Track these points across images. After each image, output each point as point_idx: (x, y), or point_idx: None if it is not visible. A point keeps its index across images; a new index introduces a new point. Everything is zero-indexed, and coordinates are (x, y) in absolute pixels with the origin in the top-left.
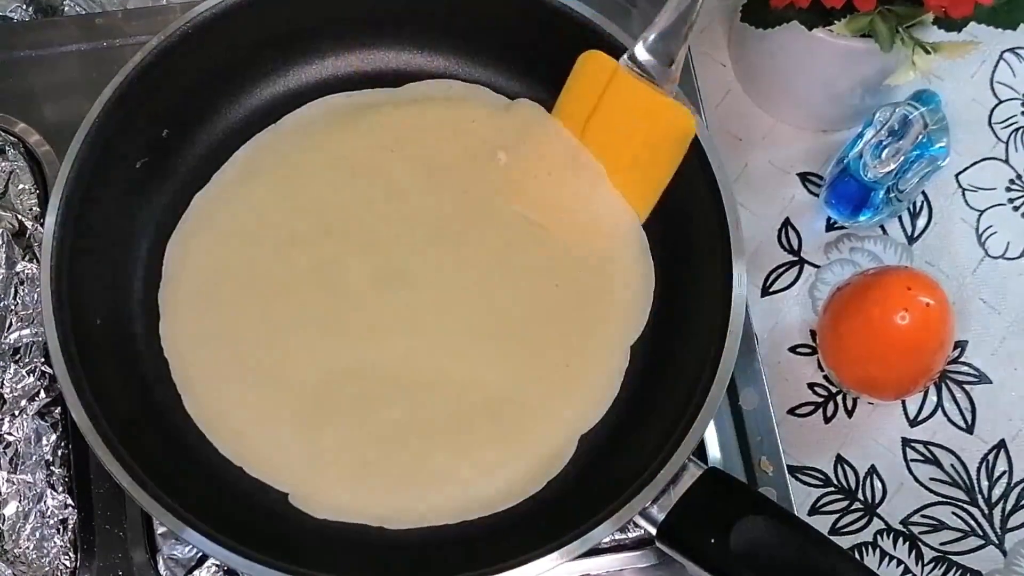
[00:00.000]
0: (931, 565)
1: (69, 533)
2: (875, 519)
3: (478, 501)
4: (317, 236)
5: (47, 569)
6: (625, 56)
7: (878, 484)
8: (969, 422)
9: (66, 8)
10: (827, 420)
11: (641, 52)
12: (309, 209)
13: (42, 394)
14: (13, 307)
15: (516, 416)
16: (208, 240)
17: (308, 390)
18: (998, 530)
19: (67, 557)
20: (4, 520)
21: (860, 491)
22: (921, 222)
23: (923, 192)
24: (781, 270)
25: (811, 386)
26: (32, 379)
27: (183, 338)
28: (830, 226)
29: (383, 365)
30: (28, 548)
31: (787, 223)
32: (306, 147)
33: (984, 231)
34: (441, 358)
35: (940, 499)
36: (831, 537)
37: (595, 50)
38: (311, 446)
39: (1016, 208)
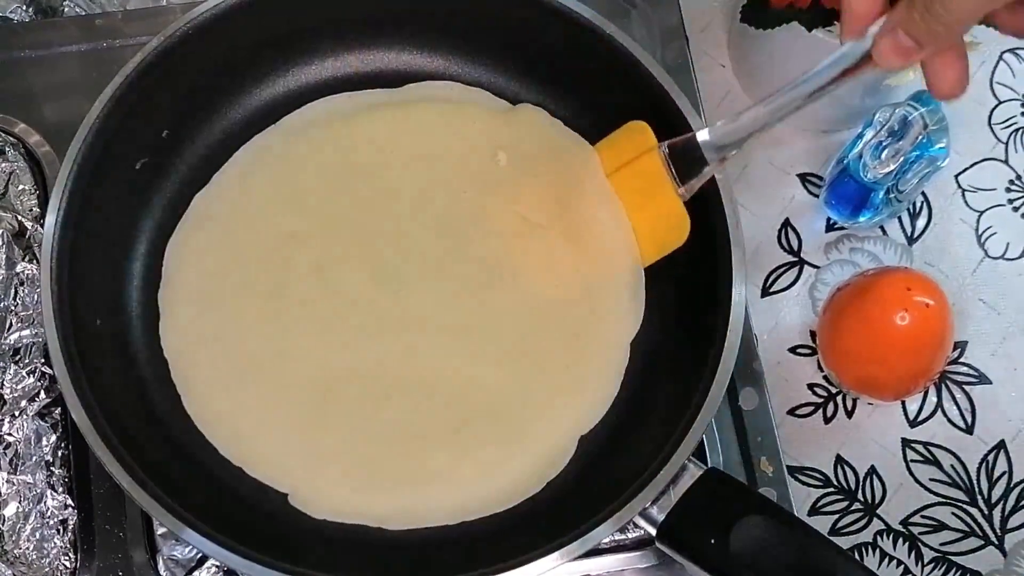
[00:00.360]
0: (931, 565)
1: (69, 534)
2: (875, 519)
3: (478, 501)
4: (317, 236)
5: (47, 570)
6: (666, 144)
7: (878, 484)
8: (969, 422)
9: (66, 9)
10: (827, 420)
11: (703, 135)
12: (309, 209)
13: (42, 395)
14: (13, 307)
15: (516, 416)
16: (208, 240)
17: (308, 390)
18: (998, 530)
19: (67, 558)
20: (4, 521)
21: (860, 491)
22: (921, 223)
23: (923, 193)
24: (781, 270)
25: (811, 386)
26: (32, 380)
27: (183, 338)
28: (830, 226)
29: (383, 365)
30: (28, 549)
31: (787, 223)
32: (306, 147)
33: (984, 232)
34: (440, 358)
35: (940, 499)
36: (831, 537)
37: (646, 124)
38: (311, 446)
39: (1016, 209)
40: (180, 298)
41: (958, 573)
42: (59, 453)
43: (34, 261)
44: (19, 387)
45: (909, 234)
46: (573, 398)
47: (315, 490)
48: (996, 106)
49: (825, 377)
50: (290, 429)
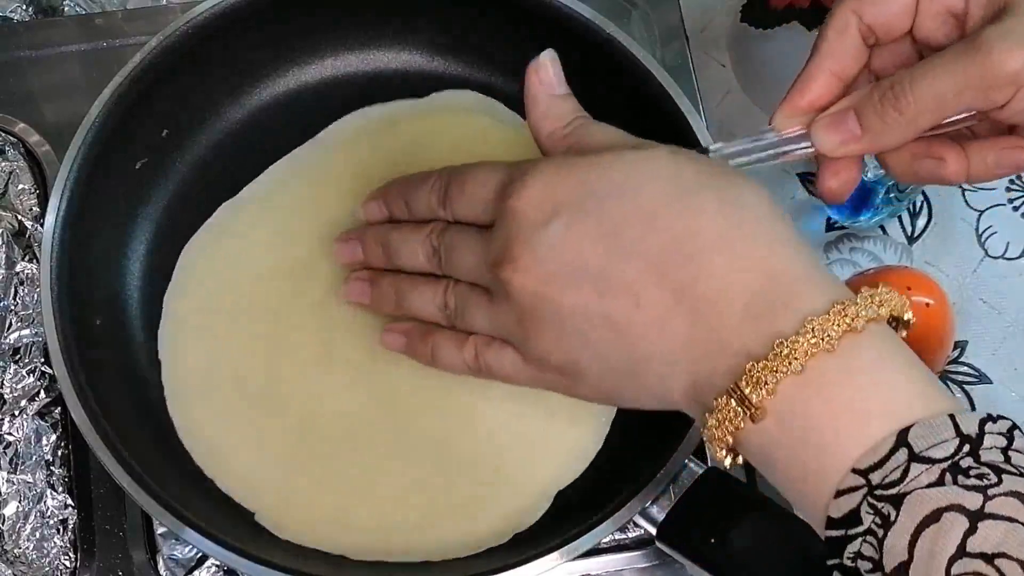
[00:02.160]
0: None
1: (69, 533)
2: None
3: (444, 548)
4: (329, 267)
5: (47, 569)
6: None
7: None
8: None
9: (66, 8)
10: None
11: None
12: (328, 235)
13: (42, 394)
14: (13, 307)
15: (496, 470)
16: (226, 251)
17: (291, 421)
18: None
19: (67, 557)
20: (4, 520)
21: None
22: (921, 222)
23: (923, 192)
24: None
25: None
26: (32, 379)
27: (181, 343)
28: (830, 226)
29: (367, 409)
30: (28, 548)
31: None
32: (333, 167)
33: (984, 231)
34: (426, 407)
35: None
36: None
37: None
38: (286, 478)
39: (1016, 208)
40: (186, 304)
41: None
42: (59, 453)
43: (34, 261)
44: (19, 387)
45: (909, 233)
46: (553, 453)
47: (282, 517)
48: None
49: None
50: (269, 456)
